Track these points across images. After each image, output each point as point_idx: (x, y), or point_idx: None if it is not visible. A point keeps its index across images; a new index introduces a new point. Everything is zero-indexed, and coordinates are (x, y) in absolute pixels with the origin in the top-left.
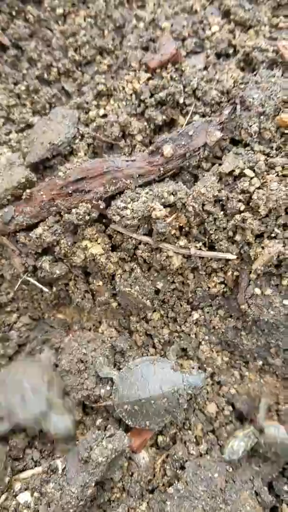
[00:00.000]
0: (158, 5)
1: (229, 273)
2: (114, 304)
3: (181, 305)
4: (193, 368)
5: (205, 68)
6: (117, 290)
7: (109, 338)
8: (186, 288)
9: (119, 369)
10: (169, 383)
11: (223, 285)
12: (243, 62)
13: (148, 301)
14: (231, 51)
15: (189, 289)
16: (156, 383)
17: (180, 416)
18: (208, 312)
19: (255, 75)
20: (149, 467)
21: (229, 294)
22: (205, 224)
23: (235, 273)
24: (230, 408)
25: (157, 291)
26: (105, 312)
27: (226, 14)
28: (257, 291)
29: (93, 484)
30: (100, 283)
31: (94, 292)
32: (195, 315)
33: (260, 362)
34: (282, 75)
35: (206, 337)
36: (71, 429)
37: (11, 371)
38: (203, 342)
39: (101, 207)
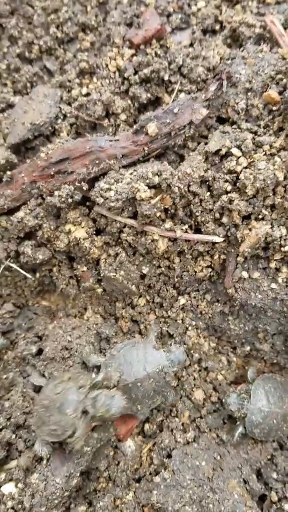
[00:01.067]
0: None
1: (216, 257)
2: (99, 290)
3: (167, 290)
4: (170, 345)
5: (191, 44)
6: (102, 275)
7: (94, 325)
8: (172, 273)
9: (105, 355)
10: (152, 363)
11: (210, 269)
12: (230, 38)
13: (133, 286)
14: (217, 27)
15: (175, 274)
16: (139, 365)
17: (171, 396)
18: (195, 297)
19: (242, 50)
20: (135, 456)
21: (216, 278)
22: (191, 205)
23: (222, 257)
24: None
25: (142, 276)
26: (90, 298)
27: None
28: (245, 274)
29: (78, 474)
30: (85, 268)
31: (79, 278)
32: (182, 300)
33: (248, 348)
34: (270, 50)
35: (193, 323)
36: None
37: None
38: (190, 328)
39: (84, 188)
